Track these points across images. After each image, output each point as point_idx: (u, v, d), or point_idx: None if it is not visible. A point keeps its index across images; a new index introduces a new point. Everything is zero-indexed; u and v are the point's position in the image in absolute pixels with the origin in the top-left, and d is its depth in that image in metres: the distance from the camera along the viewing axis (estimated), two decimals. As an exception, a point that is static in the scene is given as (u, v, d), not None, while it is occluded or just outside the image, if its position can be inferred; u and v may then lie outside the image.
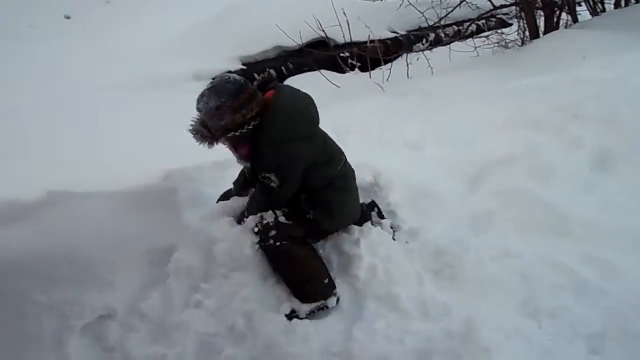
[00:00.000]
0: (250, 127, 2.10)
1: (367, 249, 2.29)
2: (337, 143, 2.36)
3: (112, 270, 2.22)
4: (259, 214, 2.23)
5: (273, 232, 2.17)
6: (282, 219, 2.21)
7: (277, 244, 2.17)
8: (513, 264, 2.28)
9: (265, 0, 5.23)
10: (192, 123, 2.16)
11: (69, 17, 5.04)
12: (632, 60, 3.30)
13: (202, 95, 2.11)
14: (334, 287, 2.23)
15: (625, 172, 2.67)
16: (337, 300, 2.22)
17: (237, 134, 2.11)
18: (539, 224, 2.44)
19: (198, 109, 2.13)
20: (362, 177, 2.63)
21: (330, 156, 2.26)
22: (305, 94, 2.24)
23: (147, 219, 2.34)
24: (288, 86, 2.29)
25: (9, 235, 2.13)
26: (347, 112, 3.50)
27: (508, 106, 3.12)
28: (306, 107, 2.18)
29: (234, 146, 2.19)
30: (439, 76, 4.26)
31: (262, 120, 2.11)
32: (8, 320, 2.05)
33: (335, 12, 4.80)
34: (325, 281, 2.21)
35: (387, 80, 4.61)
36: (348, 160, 2.37)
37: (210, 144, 2.15)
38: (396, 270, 2.23)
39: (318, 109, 2.23)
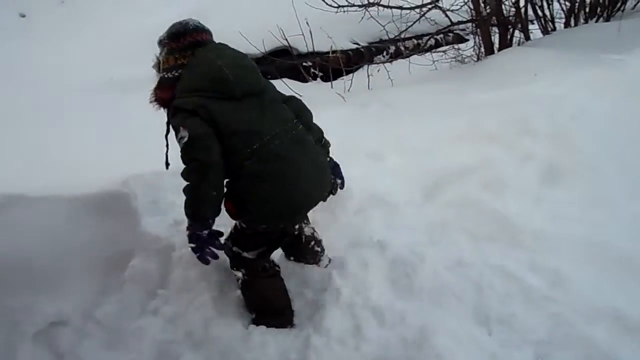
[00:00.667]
0: (175, 73, 2.05)
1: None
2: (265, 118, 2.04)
3: (67, 276, 2.19)
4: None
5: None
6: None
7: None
8: (466, 273, 2.35)
9: (229, 7, 5.22)
10: None
11: (24, 16, 4.91)
12: (580, 78, 3.46)
13: None
14: (291, 320, 2.23)
15: (573, 185, 2.80)
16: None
17: (163, 74, 2.08)
18: (491, 234, 2.53)
19: None
20: (322, 186, 2.66)
21: (240, 129, 1.97)
22: (237, 54, 2.14)
23: (105, 224, 2.32)
24: (222, 44, 2.18)
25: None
26: (308, 121, 3.54)
27: (464, 119, 3.22)
28: (220, 66, 2.00)
29: (159, 86, 2.11)
30: (398, 88, 4.36)
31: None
32: (-45, 327, 1.99)
33: (299, 22, 4.84)
34: (283, 315, 2.22)
35: (349, 90, 4.68)
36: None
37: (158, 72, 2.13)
38: (354, 278, 2.27)
39: (251, 78, 2.07)
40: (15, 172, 2.59)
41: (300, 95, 4.55)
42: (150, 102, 2.14)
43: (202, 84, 2.00)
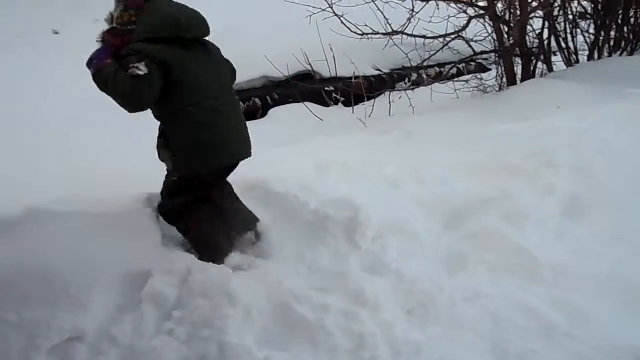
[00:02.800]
0: (129, 27, 2.30)
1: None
2: (219, 78, 2.45)
3: (86, 292, 2.19)
4: None
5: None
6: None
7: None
8: (485, 306, 2.32)
9: (255, 31, 5.31)
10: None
11: (57, 33, 5.04)
12: (604, 112, 3.45)
13: None
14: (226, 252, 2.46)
15: (595, 220, 2.77)
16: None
17: (117, 27, 2.32)
18: (511, 267, 2.50)
19: None
20: (341, 212, 2.66)
21: (190, 74, 2.29)
22: (187, 6, 2.41)
23: (125, 242, 2.34)
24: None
25: (-18, 252, 2.10)
26: (329, 146, 3.56)
27: (485, 150, 3.21)
28: (172, 11, 2.32)
29: (111, 32, 2.33)
30: (420, 116, 4.37)
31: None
32: (-25, 337, 2.01)
33: (323, 47, 4.91)
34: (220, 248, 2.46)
35: (370, 116, 4.70)
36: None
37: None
38: (371, 306, 2.25)
39: (205, 28, 2.41)
40: (41, 184, 2.63)
41: (322, 120, 4.68)
42: (97, 41, 2.34)
43: (156, 28, 2.26)
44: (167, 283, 2.28)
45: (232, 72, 2.68)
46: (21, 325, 2.04)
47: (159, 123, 2.40)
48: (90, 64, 2.27)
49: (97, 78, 2.24)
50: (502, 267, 2.49)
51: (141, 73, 2.18)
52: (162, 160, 2.41)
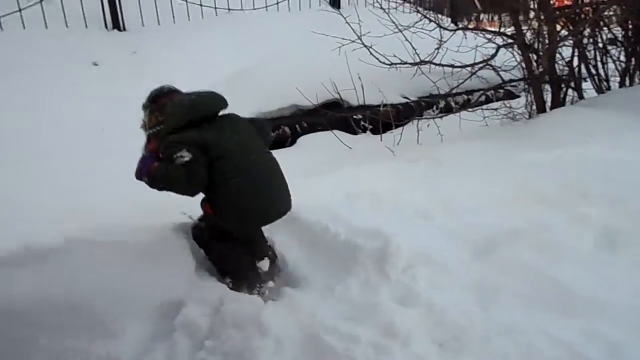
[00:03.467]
0: (157, 128, 2.52)
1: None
2: (249, 139, 2.62)
3: (121, 321, 2.26)
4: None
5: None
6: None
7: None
8: (518, 339, 2.27)
9: (287, 62, 5.41)
10: None
11: (96, 64, 5.23)
12: (637, 141, 3.40)
13: None
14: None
15: (630, 252, 2.70)
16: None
17: (149, 131, 2.55)
18: (544, 299, 2.45)
19: None
20: (371, 242, 2.68)
21: (224, 148, 2.45)
22: (202, 93, 2.62)
23: (160, 271, 2.40)
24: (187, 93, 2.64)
25: (23, 280, 2.18)
26: (358, 175, 3.58)
27: (516, 179, 3.19)
28: (186, 99, 2.54)
29: (148, 141, 2.57)
30: (448, 144, 4.36)
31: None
32: (14, 366, 2.07)
33: (351, 76, 4.97)
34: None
35: (398, 144, 4.72)
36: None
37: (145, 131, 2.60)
38: (402, 338, 2.24)
39: (221, 101, 2.61)
40: (78, 213, 2.71)
41: (350, 148, 4.71)
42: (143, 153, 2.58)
43: (178, 117, 2.47)
44: (200, 312, 2.32)
45: (261, 130, 2.83)
46: (58, 354, 2.10)
47: None
48: (140, 175, 2.44)
49: (153, 183, 2.41)
50: (535, 300, 2.45)
51: (187, 159, 2.35)
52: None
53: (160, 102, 2.55)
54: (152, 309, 2.34)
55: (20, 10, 5.28)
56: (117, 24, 5.95)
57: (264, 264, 2.73)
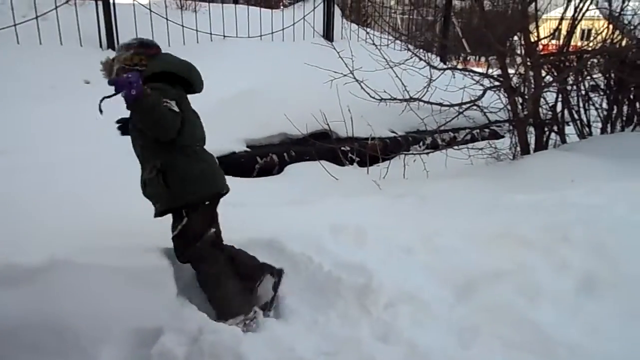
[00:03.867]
0: (139, 68, 2.47)
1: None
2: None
3: (97, 345, 2.23)
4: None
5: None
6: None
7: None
8: (498, 382, 2.28)
9: (277, 90, 5.46)
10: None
11: (88, 82, 5.24)
12: (617, 188, 3.47)
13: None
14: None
15: (611, 298, 2.73)
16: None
17: (124, 66, 2.49)
18: (524, 343, 2.46)
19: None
20: (354, 278, 2.68)
21: (192, 115, 2.60)
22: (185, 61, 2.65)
23: (141, 296, 2.37)
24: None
25: (6, 300, 2.14)
26: (344, 207, 3.60)
27: (499, 221, 3.23)
28: (186, 62, 2.64)
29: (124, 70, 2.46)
30: (434, 181, 4.42)
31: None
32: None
33: (341, 108, 5.04)
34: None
35: (384, 178, 4.76)
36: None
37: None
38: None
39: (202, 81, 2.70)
40: (66, 233, 2.67)
41: (337, 179, 4.74)
42: (106, 74, 2.61)
43: (175, 66, 2.55)
44: (178, 342, 2.29)
45: None
46: (32, 377, 2.05)
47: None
48: (123, 86, 2.16)
49: (142, 101, 2.20)
50: (516, 343, 2.46)
51: (176, 110, 2.39)
52: (150, 196, 2.54)
53: (152, 50, 2.58)
54: (130, 334, 2.30)
55: (15, 25, 5.29)
56: (112, 44, 5.98)
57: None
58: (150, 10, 6.12)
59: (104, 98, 2.28)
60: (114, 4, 5.93)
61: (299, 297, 2.71)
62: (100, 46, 5.97)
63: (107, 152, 3.73)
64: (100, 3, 5.88)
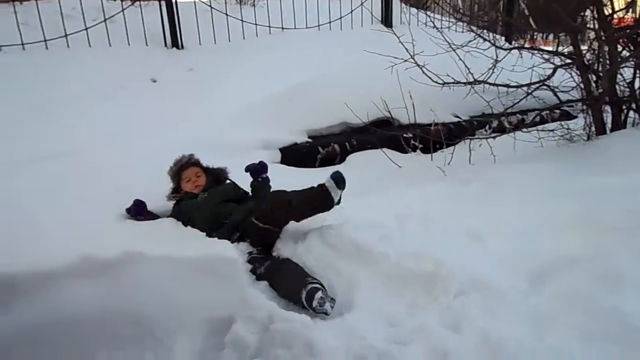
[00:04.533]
0: None
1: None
2: None
3: (172, 335, 2.30)
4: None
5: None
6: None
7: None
8: (576, 373, 2.18)
9: (336, 79, 5.45)
10: None
11: (155, 81, 5.43)
12: None
13: None
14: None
15: (699, 285, 2.55)
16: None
17: None
18: (605, 333, 2.33)
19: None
20: (422, 266, 2.63)
21: None
22: None
23: (211, 287, 2.43)
24: None
25: (82, 291, 2.26)
26: (408, 195, 3.54)
27: (575, 205, 3.07)
28: None
29: None
30: (502, 165, 4.26)
31: None
32: (68, 375, 2.13)
33: (402, 95, 4.95)
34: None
35: (449, 164, 4.65)
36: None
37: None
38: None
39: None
40: (136, 229, 2.79)
41: (400, 167, 4.68)
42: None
43: None
44: (249, 330, 2.33)
45: None
46: (113, 365, 2.15)
47: None
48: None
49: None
50: (595, 332, 2.33)
51: None
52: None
53: None
54: (203, 324, 2.37)
55: (86, 28, 5.54)
56: (175, 43, 6.16)
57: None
58: (211, 7, 6.25)
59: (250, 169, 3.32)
60: (176, 3, 6.10)
61: (366, 287, 2.70)
62: (165, 45, 6.17)
63: (175, 148, 3.86)
64: (163, 3, 6.06)
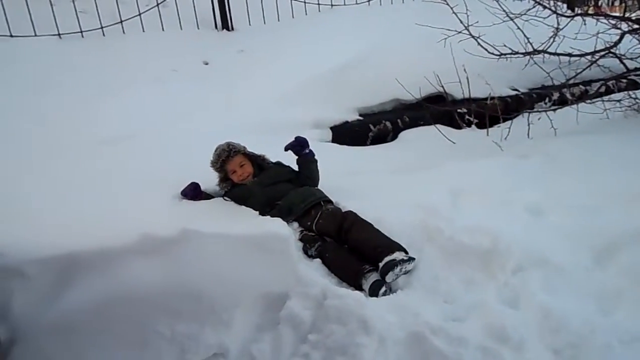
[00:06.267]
0: None
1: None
2: None
3: (229, 310, 2.34)
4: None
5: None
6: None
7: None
8: (645, 351, 2.08)
9: (386, 55, 5.33)
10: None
11: (207, 63, 5.50)
12: None
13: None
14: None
15: None
16: None
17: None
18: (677, 309, 2.21)
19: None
20: (478, 241, 2.56)
21: None
22: None
23: (265, 264, 2.46)
24: None
25: (143, 268, 2.33)
26: (463, 171, 3.44)
27: (642, 177, 2.91)
28: None
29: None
30: (563, 138, 4.06)
31: None
32: (131, 348, 2.22)
33: (456, 69, 4.79)
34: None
35: (506, 139, 4.47)
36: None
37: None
38: (513, 343, 2.12)
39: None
40: (195, 209, 2.86)
41: (454, 143, 4.56)
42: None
43: None
44: (304, 306, 2.35)
45: None
46: (173, 339, 2.22)
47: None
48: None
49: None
50: (665, 308, 2.22)
51: None
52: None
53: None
54: (258, 300, 2.41)
55: (140, 14, 5.66)
56: (226, 25, 6.20)
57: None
58: (260, -13, 6.24)
59: (288, 147, 3.25)
60: (225, -15, 6.13)
61: (420, 263, 2.65)
62: (216, 27, 6.22)
63: (230, 128, 3.92)
64: (213, -14, 6.10)
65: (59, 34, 5.36)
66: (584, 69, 4.63)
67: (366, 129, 4.91)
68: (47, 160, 3.39)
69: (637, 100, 4.50)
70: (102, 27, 5.56)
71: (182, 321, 2.25)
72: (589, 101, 4.58)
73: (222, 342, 2.25)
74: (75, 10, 5.41)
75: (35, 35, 5.15)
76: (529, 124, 4.51)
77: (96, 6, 5.52)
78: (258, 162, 3.28)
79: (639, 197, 2.82)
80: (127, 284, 2.28)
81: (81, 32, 5.48)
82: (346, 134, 4.77)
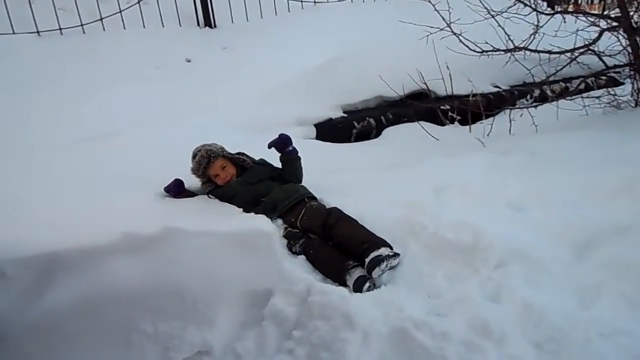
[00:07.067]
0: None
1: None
2: None
3: (213, 308, 2.33)
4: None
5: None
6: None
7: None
8: (624, 343, 2.11)
9: (370, 52, 5.35)
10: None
11: (189, 61, 5.47)
12: None
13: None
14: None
15: None
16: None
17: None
18: (656, 301, 2.25)
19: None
20: (461, 237, 2.58)
21: None
22: None
23: (249, 261, 2.45)
24: None
25: (125, 266, 2.30)
26: (446, 167, 3.47)
27: (622, 172, 2.96)
28: None
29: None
30: (544, 135, 4.11)
31: None
32: (114, 347, 2.20)
33: (439, 66, 4.83)
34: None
35: (488, 135, 4.52)
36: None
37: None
38: (495, 337, 2.15)
39: None
40: (175, 206, 2.83)
41: (437, 139, 4.59)
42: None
43: None
44: (288, 302, 2.35)
45: None
46: (156, 337, 2.21)
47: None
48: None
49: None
50: (643, 301, 2.26)
51: None
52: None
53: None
54: (242, 297, 2.40)
55: (120, 11, 5.61)
56: (208, 22, 6.17)
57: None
58: (242, -16, 6.22)
59: (271, 144, 3.22)
60: (208, -18, 6.10)
61: (404, 259, 2.67)
62: (198, 24, 6.19)
63: (213, 126, 3.89)
64: (195, -18, 6.06)
65: (37, 32, 5.29)
66: (563, 66, 4.69)
67: (350, 126, 4.93)
68: (27, 159, 3.35)
69: (615, 97, 4.58)
70: (82, 25, 5.51)
71: (166, 319, 2.23)
72: (569, 98, 4.64)
73: (206, 340, 2.24)
74: (54, 8, 5.34)
75: (14, 33, 5.07)
76: (510, 121, 4.57)
77: (76, 3, 5.46)
78: (239, 162, 3.26)
79: (619, 192, 2.87)
80: (110, 283, 2.25)
81: (60, 29, 5.42)
82: (330, 131, 4.78)
